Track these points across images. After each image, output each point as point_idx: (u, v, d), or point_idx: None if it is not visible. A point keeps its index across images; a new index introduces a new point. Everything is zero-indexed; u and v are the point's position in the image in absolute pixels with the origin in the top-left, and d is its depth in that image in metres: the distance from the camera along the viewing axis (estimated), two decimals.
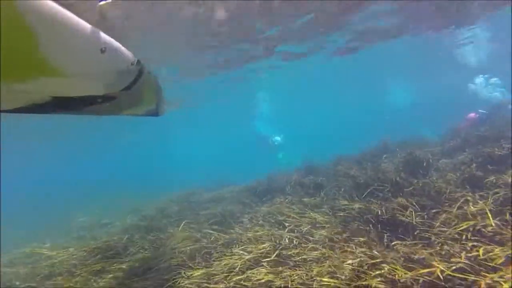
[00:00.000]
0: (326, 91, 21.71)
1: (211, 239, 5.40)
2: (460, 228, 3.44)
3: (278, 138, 16.28)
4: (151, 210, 9.32)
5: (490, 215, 3.50)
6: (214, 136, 40.57)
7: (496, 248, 2.91)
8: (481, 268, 2.49)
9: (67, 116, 2.20)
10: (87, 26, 1.33)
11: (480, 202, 4.00)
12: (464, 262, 2.56)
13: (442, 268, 2.47)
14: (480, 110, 9.09)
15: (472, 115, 9.20)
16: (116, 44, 1.59)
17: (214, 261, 4.47)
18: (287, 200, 6.76)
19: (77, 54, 1.36)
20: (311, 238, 4.72)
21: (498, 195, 4.11)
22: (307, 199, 6.38)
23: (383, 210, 4.39)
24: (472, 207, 3.91)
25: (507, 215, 3.61)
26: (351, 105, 36.32)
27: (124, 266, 4.84)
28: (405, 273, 2.62)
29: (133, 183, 20.58)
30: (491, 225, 3.35)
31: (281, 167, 12.33)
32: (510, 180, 4.42)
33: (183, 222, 6.32)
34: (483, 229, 3.34)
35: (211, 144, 47.66)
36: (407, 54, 13.77)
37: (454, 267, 2.49)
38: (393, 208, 4.33)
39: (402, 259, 3.02)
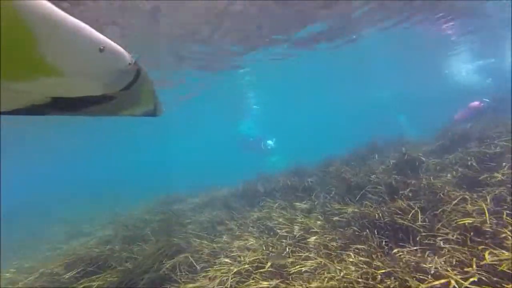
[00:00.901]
0: (312, 89, 21.40)
1: (198, 248, 5.03)
2: (463, 230, 3.26)
3: (270, 142, 15.78)
4: (133, 217, 8.78)
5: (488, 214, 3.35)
6: (200, 138, 39.58)
7: (504, 252, 2.73)
8: (497, 279, 2.27)
9: (52, 117, 2.17)
10: (85, 26, 1.31)
11: (479, 201, 3.86)
12: (478, 272, 2.34)
13: (457, 280, 2.24)
14: (484, 99, 9.10)
15: (476, 103, 9.15)
16: (114, 44, 1.54)
17: (201, 273, 4.12)
18: (277, 204, 6.47)
19: (76, 54, 1.35)
20: (304, 246, 4.45)
21: (494, 193, 4.00)
22: (298, 203, 6.11)
23: (380, 214, 4.18)
24: (470, 206, 3.76)
25: (504, 214, 3.47)
26: (339, 103, 36.07)
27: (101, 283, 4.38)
28: (418, 286, 2.37)
29: (117, 187, 19.63)
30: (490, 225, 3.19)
31: (270, 169, 12.07)
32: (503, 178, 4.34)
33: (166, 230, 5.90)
34: (485, 228, 3.18)
35: (197, 147, 46.73)
36: (393, 47, 13.64)
37: (470, 279, 2.26)
38: (391, 211, 4.12)
39: (409, 268, 2.78)
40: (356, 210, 4.68)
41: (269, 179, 9.93)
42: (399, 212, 4.05)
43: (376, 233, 3.97)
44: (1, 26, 0.98)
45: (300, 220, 5.45)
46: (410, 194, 4.50)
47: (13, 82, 1.27)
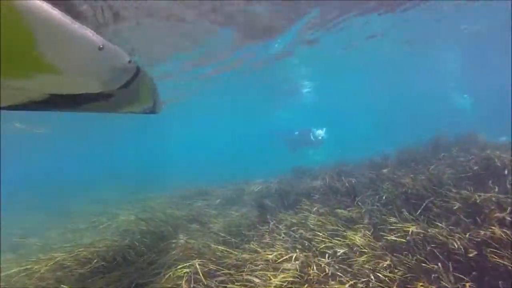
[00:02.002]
0: (366, 76, 19.09)
1: (219, 255, 4.37)
2: None
3: (321, 132, 12.93)
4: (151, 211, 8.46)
5: None
6: (229, 128, 38.59)
7: None
8: None
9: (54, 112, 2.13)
10: (82, 26, 1.31)
11: None
12: None
13: None
14: None
15: None
16: (112, 44, 1.53)
17: None
18: (315, 209, 5.55)
19: (75, 52, 1.34)
20: (349, 269, 3.54)
21: None
22: (341, 210, 5.12)
23: (458, 243, 3.08)
24: None
25: None
26: (394, 97, 32.25)
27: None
28: None
29: (137, 180, 19.22)
30: None
31: (308, 164, 11.07)
32: None
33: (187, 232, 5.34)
34: None
35: (226, 137, 46.27)
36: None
37: None
38: (477, 241, 3.00)
39: None
40: (421, 231, 3.59)
41: (307, 175, 9.01)
42: (491, 243, 2.91)
43: (452, 269, 2.91)
44: (1, 24, 0.99)
45: (342, 231, 4.51)
46: (509, 218, 3.27)
47: (12, 79, 1.28)
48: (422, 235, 3.52)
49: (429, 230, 3.54)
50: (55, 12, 1.16)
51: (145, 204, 9.48)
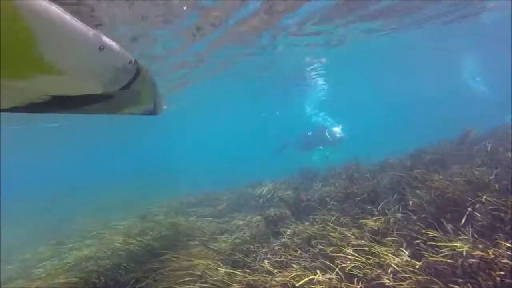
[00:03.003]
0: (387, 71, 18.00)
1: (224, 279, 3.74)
2: None
3: (337, 130, 11.52)
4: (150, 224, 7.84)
5: None
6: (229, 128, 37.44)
7: None
8: None
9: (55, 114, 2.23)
10: (84, 25, 1.29)
11: None
12: None
13: None
14: None
15: None
16: (114, 43, 1.51)
17: None
18: (333, 218, 4.88)
19: (76, 52, 1.32)
20: None
21: None
22: (365, 220, 4.44)
23: None
24: None
25: None
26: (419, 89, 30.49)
27: None
28: None
29: (139, 184, 18.54)
30: None
31: (314, 164, 10.39)
32: None
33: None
34: None
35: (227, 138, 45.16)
36: None
37: None
38: None
39: None
40: (475, 252, 2.90)
41: (318, 179, 8.33)
42: None
43: None
44: (1, 24, 0.97)
45: (369, 246, 3.85)
46: None
47: (12, 80, 1.26)
48: (476, 256, 2.83)
49: (484, 250, 2.85)
50: (55, 12, 1.13)
51: (147, 213, 8.89)
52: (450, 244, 3.15)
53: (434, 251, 3.36)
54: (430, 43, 12.49)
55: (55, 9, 1.12)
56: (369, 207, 4.80)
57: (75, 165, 40.27)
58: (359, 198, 5.09)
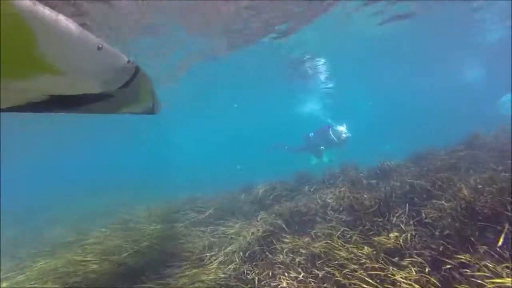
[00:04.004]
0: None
1: None
2: None
3: (343, 129, 10.43)
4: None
5: None
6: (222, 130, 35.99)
7: None
8: None
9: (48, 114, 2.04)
10: (79, 26, 1.29)
11: None
12: None
13: None
14: None
15: None
16: (108, 45, 1.49)
17: None
18: (339, 232, 4.23)
19: (75, 51, 1.33)
20: None
21: None
22: (380, 237, 3.80)
23: None
24: None
25: None
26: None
27: None
28: None
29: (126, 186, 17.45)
30: None
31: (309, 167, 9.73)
32: None
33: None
34: None
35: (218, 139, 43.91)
36: None
37: None
38: None
39: None
40: None
41: (313, 183, 7.68)
42: None
43: None
44: (1, 24, 0.98)
45: (382, 267, 3.21)
46: None
47: (12, 80, 1.26)
48: None
49: None
50: (52, 12, 1.14)
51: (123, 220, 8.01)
52: (498, 280, 2.52)
53: (465, 280, 2.76)
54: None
55: (51, 11, 1.13)
56: (379, 219, 4.16)
57: (65, 166, 38.54)
58: (368, 210, 4.44)
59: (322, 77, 16.06)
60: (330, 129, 10.53)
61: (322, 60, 13.44)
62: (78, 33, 1.26)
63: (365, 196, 4.83)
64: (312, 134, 11.17)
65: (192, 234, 6.02)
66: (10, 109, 1.61)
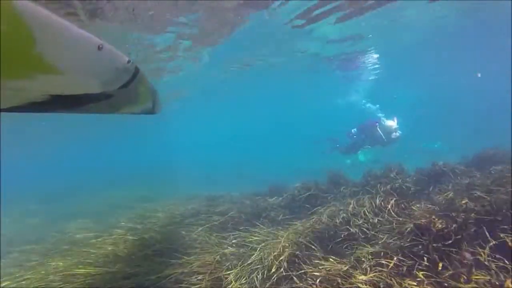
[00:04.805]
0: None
1: None
2: None
3: (393, 124, 8.67)
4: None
5: None
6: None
7: None
8: None
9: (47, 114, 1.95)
10: (79, 27, 1.31)
11: None
12: None
13: None
14: None
15: None
16: (109, 44, 1.50)
17: None
18: (392, 263, 3.19)
19: (75, 52, 1.33)
20: None
21: None
22: (456, 282, 2.71)
23: None
24: None
25: None
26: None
27: None
28: None
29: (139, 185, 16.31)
30: None
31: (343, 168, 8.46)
32: None
33: None
34: None
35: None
36: None
37: None
38: None
39: None
40: None
41: (350, 188, 6.53)
42: None
43: None
44: (1, 24, 0.97)
45: None
46: None
47: (12, 80, 1.24)
48: None
49: None
50: (51, 13, 1.14)
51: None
52: None
53: None
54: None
55: (50, 12, 1.13)
56: (453, 249, 3.05)
57: (70, 163, 38.93)
58: (438, 234, 3.31)
59: (371, 67, 15.08)
60: (377, 124, 8.75)
61: (373, 49, 12.43)
62: (78, 33, 1.27)
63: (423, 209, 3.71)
64: (355, 130, 9.46)
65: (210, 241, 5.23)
66: (10, 109, 1.59)
